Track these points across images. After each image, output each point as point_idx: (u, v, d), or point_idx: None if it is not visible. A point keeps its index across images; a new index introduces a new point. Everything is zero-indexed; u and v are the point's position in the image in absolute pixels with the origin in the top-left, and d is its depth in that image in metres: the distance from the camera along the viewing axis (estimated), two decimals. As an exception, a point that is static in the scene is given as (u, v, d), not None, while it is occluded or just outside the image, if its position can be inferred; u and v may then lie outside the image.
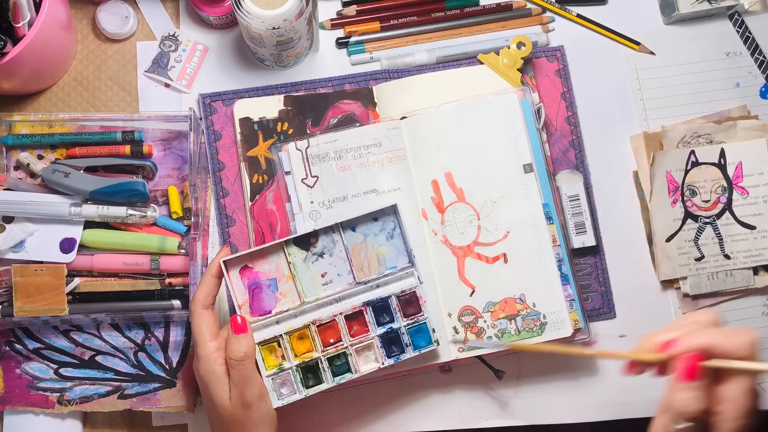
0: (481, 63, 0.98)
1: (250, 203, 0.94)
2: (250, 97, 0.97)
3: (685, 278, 0.97)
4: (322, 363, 0.84)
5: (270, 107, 0.96)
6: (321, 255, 0.86)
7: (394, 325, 0.86)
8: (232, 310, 0.94)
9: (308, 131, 0.96)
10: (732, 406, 0.64)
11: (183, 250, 0.93)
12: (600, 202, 0.98)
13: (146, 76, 0.99)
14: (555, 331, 0.90)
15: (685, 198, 0.98)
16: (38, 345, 0.94)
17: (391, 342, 0.86)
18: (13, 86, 0.95)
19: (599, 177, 0.99)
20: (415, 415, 0.95)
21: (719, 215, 0.98)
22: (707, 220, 0.98)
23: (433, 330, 0.87)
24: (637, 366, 0.71)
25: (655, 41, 1.02)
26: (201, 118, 0.96)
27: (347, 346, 0.85)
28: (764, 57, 1.02)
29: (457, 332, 0.91)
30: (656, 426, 0.68)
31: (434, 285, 0.91)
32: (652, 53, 1.02)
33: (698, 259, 0.97)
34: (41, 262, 0.91)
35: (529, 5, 1.03)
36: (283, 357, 0.84)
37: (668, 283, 0.98)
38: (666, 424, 0.66)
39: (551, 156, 0.98)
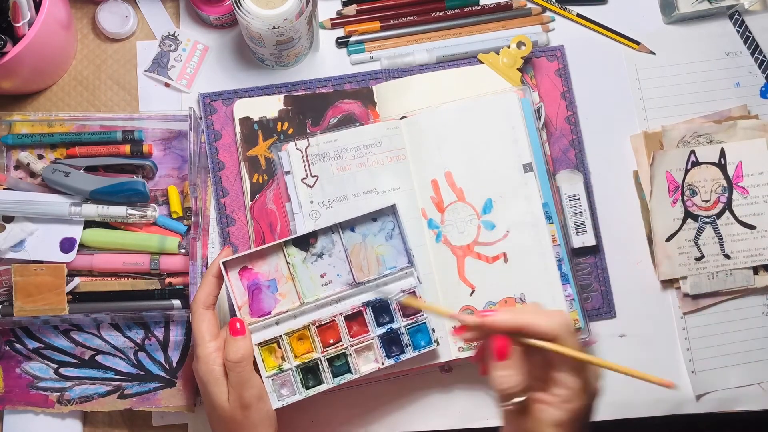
0: (481, 63, 0.98)
1: (250, 203, 0.94)
2: (250, 96, 0.97)
3: (685, 278, 0.97)
4: (321, 363, 0.84)
5: (270, 107, 0.96)
6: (320, 255, 0.86)
7: (394, 326, 0.86)
8: (232, 311, 0.94)
9: (308, 131, 0.96)
10: (561, 389, 0.69)
11: (183, 250, 0.93)
12: (600, 202, 0.98)
13: (146, 76, 0.99)
14: (555, 330, 0.90)
15: (685, 198, 0.98)
16: (38, 345, 0.94)
17: (391, 342, 0.86)
18: (13, 86, 0.95)
19: (599, 177, 0.99)
20: (415, 414, 0.95)
21: (719, 215, 0.98)
22: (707, 220, 0.98)
23: (433, 330, 0.87)
24: (461, 330, 0.73)
25: (655, 41, 1.02)
26: (201, 118, 0.96)
27: (347, 347, 0.85)
28: (764, 56, 1.02)
29: (456, 332, 0.91)
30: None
31: (434, 285, 0.91)
32: (652, 53, 1.02)
33: (698, 259, 0.97)
34: (41, 262, 0.91)
35: (529, 5, 1.03)
36: (282, 358, 0.84)
37: (668, 283, 0.98)
38: (499, 407, 0.70)
39: (551, 155, 0.98)
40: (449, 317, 0.76)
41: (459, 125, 0.93)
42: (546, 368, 0.71)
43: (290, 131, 0.96)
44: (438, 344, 0.87)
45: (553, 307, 0.90)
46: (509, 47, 0.97)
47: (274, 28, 0.87)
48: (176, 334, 0.95)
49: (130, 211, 0.92)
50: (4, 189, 0.93)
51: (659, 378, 0.68)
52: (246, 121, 0.96)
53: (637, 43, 1.02)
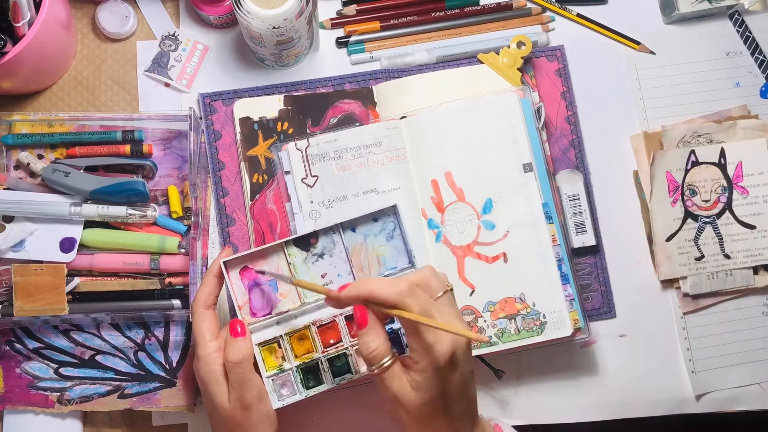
0: (481, 62, 0.98)
1: (250, 203, 0.94)
2: (250, 96, 0.97)
3: (685, 278, 0.97)
4: (322, 364, 0.84)
5: (270, 107, 0.96)
6: (321, 256, 0.86)
7: (394, 326, 0.86)
8: (233, 311, 0.94)
9: (308, 131, 0.96)
10: (412, 351, 0.72)
11: (183, 250, 0.93)
12: (600, 202, 0.98)
13: (146, 76, 0.99)
14: (555, 330, 0.90)
15: (685, 197, 0.98)
16: (38, 344, 0.94)
17: (392, 342, 0.86)
18: (13, 86, 0.95)
19: (599, 176, 0.99)
20: (415, 414, 0.95)
21: (719, 215, 0.98)
22: (707, 220, 0.98)
23: (433, 330, 0.87)
24: (328, 301, 0.76)
25: (655, 41, 1.02)
26: (201, 118, 0.96)
27: (347, 347, 0.85)
28: (764, 56, 1.02)
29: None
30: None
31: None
32: (652, 53, 1.02)
33: (698, 259, 0.97)
34: (41, 262, 0.91)
35: (529, 5, 1.03)
36: (283, 358, 0.84)
37: (668, 283, 0.98)
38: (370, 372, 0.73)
39: (551, 155, 0.98)
40: (316, 292, 0.80)
41: (459, 125, 0.93)
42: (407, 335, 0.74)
43: (290, 131, 0.96)
44: (438, 344, 0.87)
45: (553, 306, 0.90)
46: (509, 47, 0.97)
47: (274, 28, 0.87)
48: (176, 334, 0.95)
49: (130, 211, 0.92)
50: (4, 189, 0.93)
51: (470, 332, 0.71)
52: (246, 121, 0.96)
53: (637, 43, 1.02)
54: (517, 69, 0.97)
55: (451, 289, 0.78)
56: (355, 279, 0.86)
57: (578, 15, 1.02)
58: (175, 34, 0.99)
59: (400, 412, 0.74)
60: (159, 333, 0.94)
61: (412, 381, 0.72)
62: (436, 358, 0.71)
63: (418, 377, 0.72)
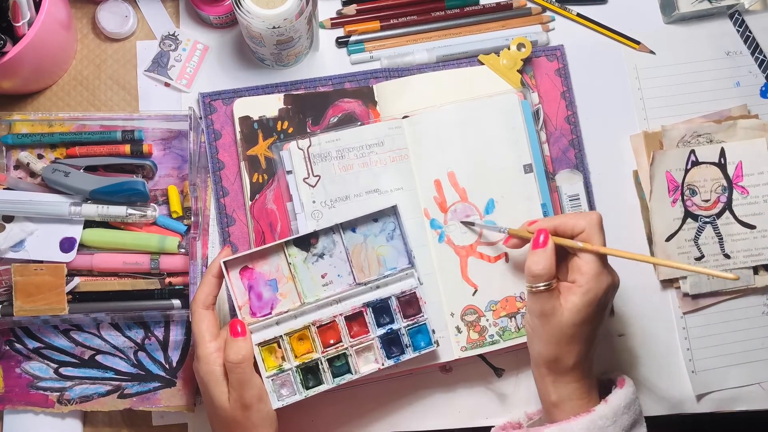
0: (482, 64, 0.98)
1: (250, 202, 0.94)
2: (249, 96, 0.97)
3: (684, 278, 0.97)
4: (322, 364, 0.84)
5: (270, 106, 0.96)
6: (321, 256, 0.86)
7: (394, 326, 0.86)
8: (233, 311, 0.94)
9: (308, 130, 0.96)
10: (580, 275, 0.80)
11: (183, 250, 0.93)
12: (600, 202, 0.98)
13: (146, 76, 0.99)
14: (555, 330, 0.90)
15: (685, 197, 0.98)
16: (38, 344, 0.94)
17: (391, 343, 0.86)
18: (13, 85, 0.95)
19: (599, 176, 0.99)
20: (415, 414, 0.95)
21: (719, 215, 0.98)
22: (707, 220, 0.98)
23: (433, 331, 0.87)
24: (511, 238, 0.88)
25: (655, 40, 1.02)
26: (201, 118, 0.96)
27: (347, 347, 0.85)
28: (764, 56, 1.02)
29: (459, 331, 0.91)
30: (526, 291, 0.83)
31: (437, 285, 0.91)
32: (652, 52, 1.02)
33: (698, 259, 0.97)
34: (41, 262, 0.91)
35: (529, 4, 1.03)
36: (283, 358, 0.84)
37: (668, 283, 0.98)
38: (527, 288, 0.81)
39: (551, 155, 0.98)
40: (510, 234, 0.88)
41: (461, 125, 0.93)
42: (571, 264, 0.82)
43: (290, 130, 0.96)
44: (438, 345, 0.87)
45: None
46: (509, 49, 0.97)
47: (274, 27, 0.87)
48: (176, 334, 0.95)
49: (130, 211, 0.92)
50: (4, 189, 0.93)
51: (715, 272, 0.77)
52: (246, 121, 0.95)
53: (637, 43, 1.02)
54: (517, 70, 0.97)
55: None
56: (355, 279, 0.86)
57: (578, 15, 1.02)
58: (175, 34, 0.99)
59: (545, 329, 0.81)
60: (159, 333, 0.94)
61: (568, 303, 0.79)
62: (602, 285, 0.79)
63: (577, 300, 0.79)
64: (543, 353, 0.81)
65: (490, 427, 0.93)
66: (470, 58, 0.99)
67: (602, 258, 0.80)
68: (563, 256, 0.83)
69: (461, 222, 0.92)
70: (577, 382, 0.81)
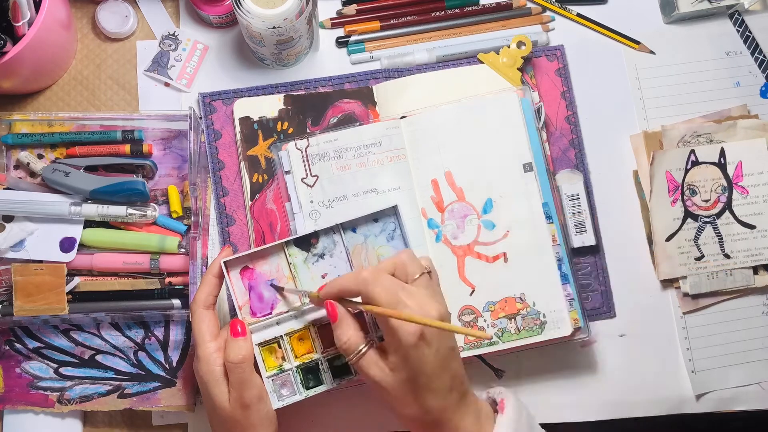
0: (481, 62, 0.98)
1: (250, 202, 0.94)
2: (250, 96, 0.97)
3: (685, 277, 0.97)
4: (322, 364, 0.84)
5: (270, 106, 0.96)
6: (321, 256, 0.86)
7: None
8: (233, 311, 0.94)
9: (308, 130, 0.96)
10: (385, 334, 0.75)
11: (183, 250, 0.93)
12: (600, 202, 0.98)
13: (146, 76, 0.99)
14: (555, 330, 0.90)
15: (685, 197, 0.98)
16: (38, 344, 0.94)
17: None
18: (13, 85, 0.95)
19: (599, 176, 0.99)
20: (414, 414, 0.95)
21: (719, 215, 0.98)
22: (707, 220, 0.98)
23: (433, 330, 0.87)
24: (313, 301, 0.83)
25: (655, 40, 1.02)
26: (201, 118, 0.96)
27: (347, 347, 0.85)
28: (764, 56, 1.02)
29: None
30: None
31: (434, 285, 0.91)
32: (652, 52, 1.02)
33: (698, 259, 0.97)
34: (41, 262, 0.92)
35: (529, 4, 1.03)
36: (283, 358, 0.84)
37: (668, 283, 0.98)
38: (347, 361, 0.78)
39: (551, 155, 0.98)
40: (305, 294, 0.84)
41: (459, 125, 0.93)
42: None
43: (290, 131, 0.96)
44: (438, 344, 0.87)
45: (553, 306, 0.90)
46: (509, 47, 0.97)
47: (274, 27, 0.87)
48: (176, 334, 0.95)
49: (130, 211, 0.92)
50: (4, 189, 0.93)
51: (472, 330, 0.76)
52: (246, 121, 0.95)
53: (637, 42, 1.02)
54: (517, 69, 0.97)
55: (429, 272, 0.80)
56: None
57: (578, 15, 1.02)
58: (175, 34, 0.99)
59: (384, 395, 0.77)
60: (159, 333, 0.94)
61: (389, 363, 0.75)
62: (405, 338, 0.73)
63: (393, 359, 0.75)
64: (403, 416, 0.77)
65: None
66: (470, 58, 0.99)
67: (382, 315, 0.74)
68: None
69: (270, 285, 0.86)
70: (450, 422, 0.77)
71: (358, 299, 0.77)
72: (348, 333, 0.77)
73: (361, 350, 0.76)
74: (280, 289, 0.85)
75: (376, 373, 0.76)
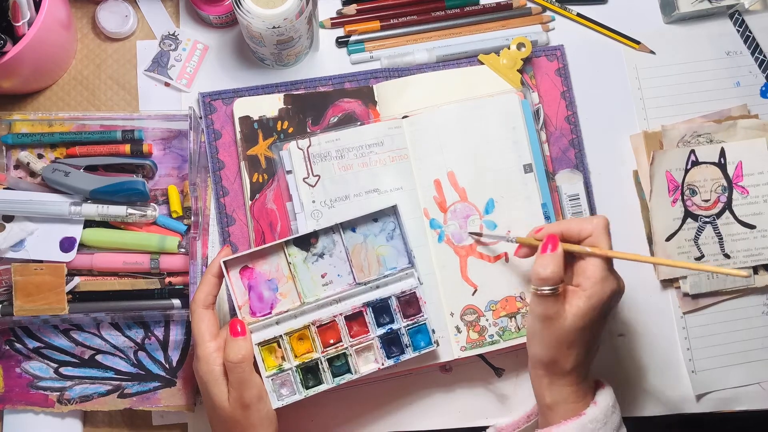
0: (482, 63, 0.98)
1: (250, 202, 0.94)
2: (250, 95, 0.97)
3: (684, 277, 0.97)
4: (322, 364, 0.84)
5: (270, 106, 0.96)
6: (321, 255, 0.86)
7: (394, 326, 0.86)
8: (232, 311, 0.94)
9: (308, 130, 0.96)
10: (585, 279, 0.79)
11: (183, 249, 0.93)
12: (600, 202, 0.98)
13: (146, 75, 0.99)
14: (555, 330, 0.90)
15: (685, 197, 0.98)
16: (38, 344, 0.94)
17: (391, 343, 0.86)
18: (13, 85, 0.95)
19: (599, 176, 0.99)
20: (415, 414, 0.95)
21: (719, 214, 0.98)
22: (707, 220, 0.98)
23: (433, 331, 0.87)
24: (521, 248, 0.87)
25: (655, 40, 1.02)
26: (201, 117, 0.96)
27: (347, 347, 0.85)
28: (764, 56, 1.02)
29: (459, 331, 0.91)
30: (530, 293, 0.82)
31: (436, 284, 0.91)
32: (652, 52, 1.02)
33: (698, 259, 0.97)
34: (41, 261, 0.91)
35: (529, 4, 1.03)
36: (283, 357, 0.84)
37: (668, 283, 0.98)
38: (533, 290, 0.80)
39: (551, 155, 0.98)
40: (519, 242, 0.87)
41: (461, 125, 0.93)
42: (577, 267, 0.82)
43: (290, 130, 0.96)
44: (438, 345, 0.87)
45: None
46: (509, 48, 0.97)
47: (274, 27, 0.87)
48: (176, 334, 0.95)
49: (130, 211, 0.92)
50: (4, 188, 0.93)
51: (725, 269, 0.76)
52: (246, 120, 0.95)
53: (637, 42, 1.02)
54: (517, 70, 0.97)
55: None
56: (355, 279, 0.86)
57: (578, 15, 1.02)
58: (175, 34, 0.99)
59: (546, 332, 0.80)
60: (159, 333, 0.94)
61: (572, 307, 0.79)
62: (607, 289, 0.79)
63: (581, 303, 0.78)
64: (542, 355, 0.81)
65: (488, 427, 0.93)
66: (470, 58, 0.99)
67: (608, 262, 0.80)
68: (568, 259, 0.82)
69: (469, 233, 0.92)
70: (572, 386, 0.81)
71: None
72: (556, 267, 0.78)
73: (557, 288, 0.78)
74: (478, 235, 0.90)
75: (556, 312, 0.78)
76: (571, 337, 0.79)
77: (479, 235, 0.92)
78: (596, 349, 0.84)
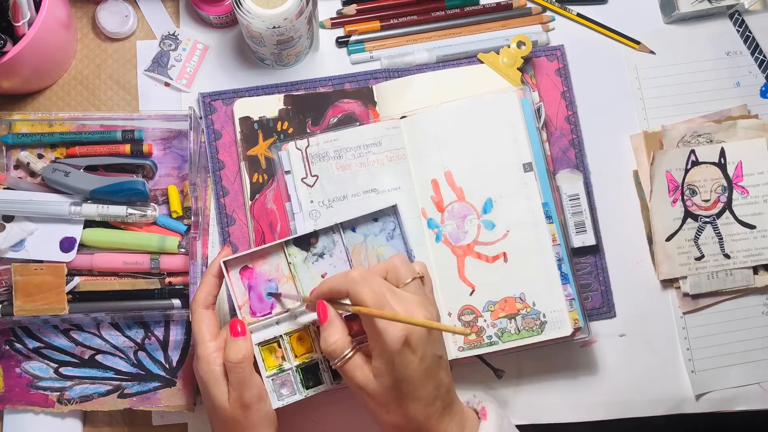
0: (481, 62, 0.98)
1: (250, 202, 0.94)
2: (250, 96, 0.97)
3: (685, 277, 0.97)
4: (322, 364, 0.84)
5: (270, 106, 0.96)
6: (321, 255, 0.86)
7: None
8: (233, 311, 0.94)
9: (308, 130, 0.96)
10: (369, 338, 0.74)
11: (183, 250, 0.93)
12: (600, 202, 0.98)
13: (146, 75, 0.99)
14: (555, 330, 0.90)
15: (685, 197, 0.98)
16: (38, 344, 0.94)
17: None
18: (13, 85, 0.95)
19: (599, 176, 0.99)
20: (414, 414, 0.95)
21: (719, 214, 0.98)
22: (707, 220, 0.98)
23: (433, 330, 0.87)
24: (308, 308, 0.83)
25: (655, 40, 1.02)
26: (201, 117, 0.96)
27: (347, 347, 0.85)
28: (764, 56, 1.02)
29: (457, 332, 0.91)
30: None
31: (434, 284, 0.91)
32: (652, 52, 1.02)
33: (698, 259, 0.97)
34: (41, 261, 0.91)
35: (530, 4, 1.03)
36: (283, 358, 0.84)
37: (668, 283, 0.98)
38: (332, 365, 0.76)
39: (551, 155, 0.98)
40: (303, 300, 0.83)
41: (459, 125, 0.93)
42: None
43: (290, 131, 0.96)
44: (438, 344, 0.87)
45: (553, 306, 0.90)
46: (509, 47, 0.97)
47: (274, 27, 0.87)
48: (176, 334, 0.95)
49: (130, 211, 0.92)
50: (4, 188, 0.93)
51: (453, 327, 0.72)
52: (246, 121, 0.96)
53: (637, 42, 1.02)
54: (517, 69, 0.97)
55: (421, 277, 0.79)
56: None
57: (578, 15, 1.02)
58: (175, 34, 0.99)
59: (367, 401, 0.76)
60: (159, 333, 0.94)
61: (373, 369, 0.74)
62: (389, 342, 0.71)
63: (377, 363, 0.73)
64: (388, 424, 0.76)
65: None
66: (470, 58, 0.99)
67: (370, 316, 0.73)
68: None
69: (268, 294, 0.86)
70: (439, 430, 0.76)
71: (347, 301, 0.76)
72: (335, 335, 0.75)
73: (346, 355, 0.75)
74: (277, 296, 0.85)
75: (360, 378, 0.74)
76: (389, 397, 0.74)
77: (279, 295, 0.86)
78: (442, 385, 0.76)
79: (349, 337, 0.76)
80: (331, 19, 1.01)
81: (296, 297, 0.85)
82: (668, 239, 0.97)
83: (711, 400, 0.97)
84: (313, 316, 0.85)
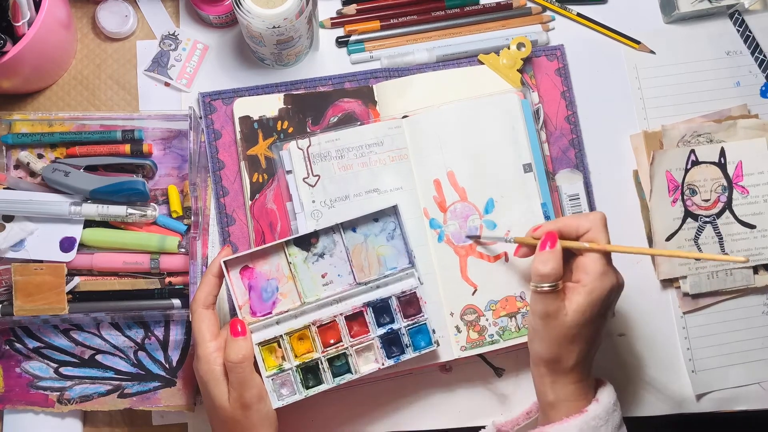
0: (482, 63, 0.98)
1: (250, 202, 0.94)
2: (250, 95, 0.97)
3: (684, 277, 0.97)
4: (322, 363, 0.84)
5: (270, 106, 0.96)
6: (321, 255, 0.86)
7: (395, 326, 0.86)
8: (233, 310, 0.94)
9: (308, 130, 0.96)
10: (584, 275, 0.79)
11: (183, 249, 0.93)
12: (600, 202, 0.98)
13: (146, 75, 0.99)
14: (555, 330, 0.90)
15: (685, 197, 0.98)
16: (38, 344, 0.94)
17: (391, 342, 0.86)
18: (13, 85, 0.95)
19: (599, 176, 0.99)
20: (415, 413, 0.95)
21: (719, 214, 0.98)
22: (707, 219, 0.98)
23: (434, 331, 0.87)
24: (520, 248, 0.87)
25: (655, 40, 1.02)
26: (201, 117, 0.96)
27: (347, 347, 0.85)
28: (764, 56, 1.02)
29: (459, 331, 0.91)
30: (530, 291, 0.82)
31: (436, 284, 0.91)
32: (652, 52, 1.02)
33: (698, 258, 0.97)
34: (41, 261, 0.91)
35: (529, 4, 1.03)
36: (283, 357, 0.84)
37: (668, 282, 0.98)
38: (533, 288, 0.80)
39: (551, 155, 0.98)
40: (516, 243, 0.87)
41: (460, 125, 0.93)
42: (576, 264, 0.82)
43: (290, 130, 0.96)
44: (438, 345, 0.87)
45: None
46: (509, 48, 0.97)
47: (274, 27, 0.87)
48: (176, 334, 0.95)
49: (130, 211, 0.92)
50: (4, 188, 0.93)
51: (722, 256, 0.79)
52: (246, 120, 0.95)
53: (637, 42, 1.02)
54: (517, 70, 0.97)
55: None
56: (355, 279, 0.86)
57: (578, 14, 1.02)
58: (175, 34, 0.99)
59: (547, 329, 0.80)
60: (159, 332, 0.94)
61: (572, 303, 0.79)
62: (606, 284, 0.79)
63: (581, 299, 0.79)
64: (543, 353, 0.81)
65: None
66: (470, 58, 0.99)
67: (607, 258, 0.80)
68: (567, 256, 0.82)
69: (467, 236, 0.92)
70: (575, 383, 0.81)
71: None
72: (555, 263, 0.79)
73: (557, 284, 0.78)
74: (476, 238, 0.90)
75: (556, 308, 0.79)
76: (572, 333, 0.79)
77: (477, 237, 0.91)
78: (598, 346, 0.84)
79: (562, 271, 0.80)
80: (331, 19, 1.01)
81: (501, 237, 0.90)
82: (668, 239, 0.97)
83: (711, 400, 0.97)
84: (313, 316, 0.85)
